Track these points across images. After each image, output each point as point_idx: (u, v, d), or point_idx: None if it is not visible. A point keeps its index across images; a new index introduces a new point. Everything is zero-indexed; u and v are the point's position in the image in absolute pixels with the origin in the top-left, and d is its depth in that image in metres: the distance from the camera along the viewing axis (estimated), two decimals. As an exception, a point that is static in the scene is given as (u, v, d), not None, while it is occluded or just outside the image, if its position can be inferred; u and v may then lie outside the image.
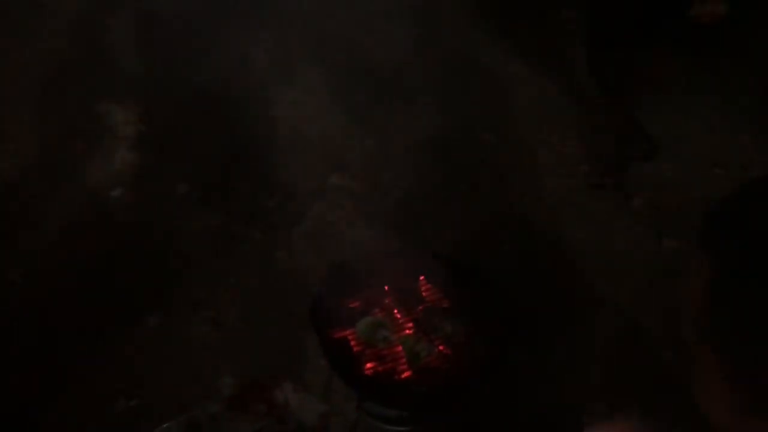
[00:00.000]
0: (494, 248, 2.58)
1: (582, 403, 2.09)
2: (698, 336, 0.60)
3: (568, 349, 2.24)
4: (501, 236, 2.67)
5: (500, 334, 1.78)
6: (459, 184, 2.90)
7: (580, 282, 2.52)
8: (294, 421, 2.01)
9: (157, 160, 2.96)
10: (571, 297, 2.44)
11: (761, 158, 2.93)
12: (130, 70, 3.42)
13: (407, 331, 1.83)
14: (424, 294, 1.92)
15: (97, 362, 2.19)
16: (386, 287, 1.93)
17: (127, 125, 3.11)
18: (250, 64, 3.43)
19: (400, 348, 1.79)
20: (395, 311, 1.88)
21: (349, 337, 1.81)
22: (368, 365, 1.76)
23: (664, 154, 2.95)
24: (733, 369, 0.56)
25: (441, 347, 1.79)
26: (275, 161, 2.96)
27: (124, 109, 3.18)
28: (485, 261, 2.35)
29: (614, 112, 2.83)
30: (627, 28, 2.46)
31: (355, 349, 1.79)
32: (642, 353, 2.29)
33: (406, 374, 1.75)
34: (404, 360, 1.77)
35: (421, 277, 1.95)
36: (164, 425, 1.96)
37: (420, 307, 1.89)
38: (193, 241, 2.62)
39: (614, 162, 2.89)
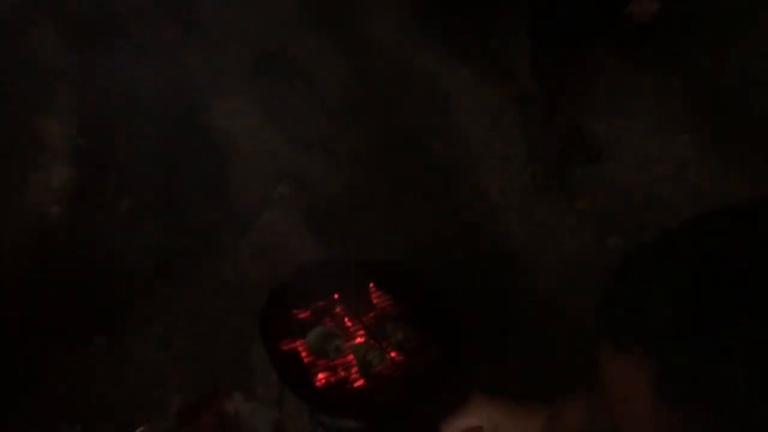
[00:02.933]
0: (443, 254, 2.59)
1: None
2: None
3: (519, 351, 2.26)
4: (449, 242, 2.68)
5: (452, 339, 1.78)
6: (406, 192, 2.90)
7: (528, 284, 2.55)
8: (246, 431, 1.97)
9: (97, 176, 2.88)
10: (520, 299, 2.46)
11: (699, 156, 3.02)
12: (66, 83, 3.32)
13: (358, 340, 1.81)
14: (374, 301, 1.91)
15: (40, 386, 2.11)
16: (336, 296, 1.91)
17: (64, 140, 3.02)
18: (188, 74, 3.36)
19: (351, 357, 1.77)
20: (346, 320, 1.86)
21: (299, 349, 1.79)
22: (320, 376, 1.74)
23: (606, 155, 3.01)
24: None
25: (393, 354, 1.78)
26: (219, 173, 2.91)
27: (60, 123, 3.08)
28: (435, 267, 2.35)
29: (557, 114, 2.88)
30: (566, 29, 2.50)
31: (305, 360, 1.76)
32: (590, 353, 2.31)
33: (358, 383, 1.74)
34: (356, 369, 1.76)
35: (371, 285, 1.94)
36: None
37: (371, 315, 1.87)
38: (138, 258, 2.56)
39: (558, 164, 2.93)
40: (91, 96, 3.20)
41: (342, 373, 1.74)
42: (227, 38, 3.60)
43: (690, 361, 0.49)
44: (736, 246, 0.52)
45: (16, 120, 3.09)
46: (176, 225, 2.68)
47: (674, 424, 0.50)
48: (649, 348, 0.51)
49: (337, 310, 1.89)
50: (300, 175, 2.93)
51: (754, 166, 2.87)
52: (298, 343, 1.79)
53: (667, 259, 0.55)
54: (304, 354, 1.77)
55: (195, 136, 3.06)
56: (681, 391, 0.50)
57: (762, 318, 0.47)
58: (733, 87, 3.30)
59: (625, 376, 0.54)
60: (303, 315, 1.86)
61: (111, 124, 3.08)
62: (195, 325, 2.34)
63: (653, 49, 3.28)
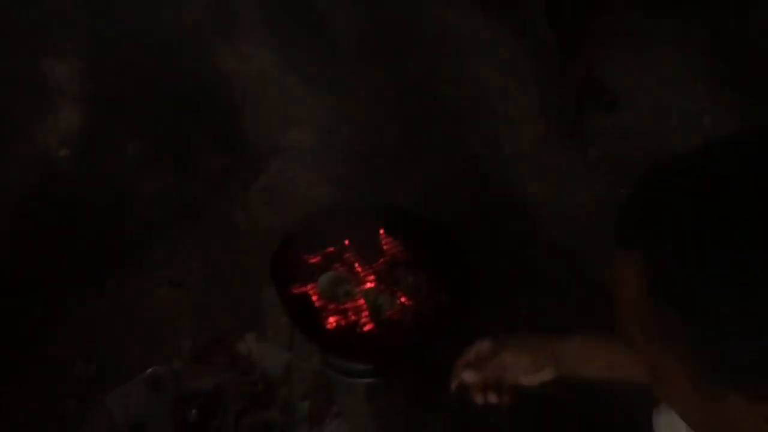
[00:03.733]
0: (454, 201, 2.58)
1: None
2: (643, 334, 0.59)
3: (529, 297, 2.27)
4: (460, 189, 2.66)
5: (462, 285, 1.79)
6: (418, 138, 2.88)
7: (539, 232, 2.54)
8: (258, 371, 2.00)
9: (106, 119, 2.86)
10: (531, 247, 2.46)
11: (715, 107, 2.97)
12: (73, 25, 3.27)
13: (369, 285, 1.82)
14: (384, 247, 1.91)
15: (55, 327, 2.14)
16: (346, 242, 1.91)
17: (72, 82, 2.99)
18: (198, 18, 3.31)
19: (362, 302, 1.79)
20: (356, 265, 1.87)
21: (311, 293, 1.80)
22: (330, 320, 1.75)
23: (620, 104, 2.97)
24: (696, 357, 0.55)
25: (403, 299, 1.79)
26: (229, 118, 2.89)
27: (69, 66, 3.05)
28: (445, 213, 2.34)
29: (573, 63, 2.82)
30: None
31: (316, 304, 1.78)
32: (600, 304, 2.32)
33: (368, 327, 1.75)
34: (366, 313, 1.77)
35: (381, 231, 1.94)
36: (126, 384, 1.93)
37: (381, 261, 1.88)
38: (148, 201, 2.56)
39: (572, 113, 2.89)
40: (100, 38, 3.15)
41: (352, 317, 1.76)
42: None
43: (682, 267, 0.53)
44: (753, 172, 0.53)
45: (23, 62, 3.06)
46: (186, 169, 2.67)
47: (657, 315, 0.56)
48: (649, 247, 0.56)
49: (348, 255, 1.89)
50: (311, 121, 2.90)
51: (772, 119, 2.83)
52: (309, 287, 1.80)
53: (686, 176, 0.57)
54: (315, 298, 1.79)
55: (206, 80, 3.02)
56: (667, 290, 0.54)
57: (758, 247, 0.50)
58: (753, 39, 3.23)
59: (625, 267, 0.58)
60: (314, 260, 1.86)
61: (120, 66, 3.04)
62: (206, 268, 2.35)
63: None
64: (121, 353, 2.08)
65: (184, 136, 2.80)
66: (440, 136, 2.89)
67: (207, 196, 2.59)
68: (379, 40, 3.31)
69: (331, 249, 1.89)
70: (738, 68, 3.12)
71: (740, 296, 0.50)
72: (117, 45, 3.09)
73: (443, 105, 3.04)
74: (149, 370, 1.95)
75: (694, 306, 0.53)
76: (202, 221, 2.50)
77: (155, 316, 2.21)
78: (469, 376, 1.10)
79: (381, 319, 1.75)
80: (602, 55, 2.94)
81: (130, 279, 2.30)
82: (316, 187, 2.63)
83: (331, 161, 2.73)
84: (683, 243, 0.53)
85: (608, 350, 1.03)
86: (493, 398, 1.10)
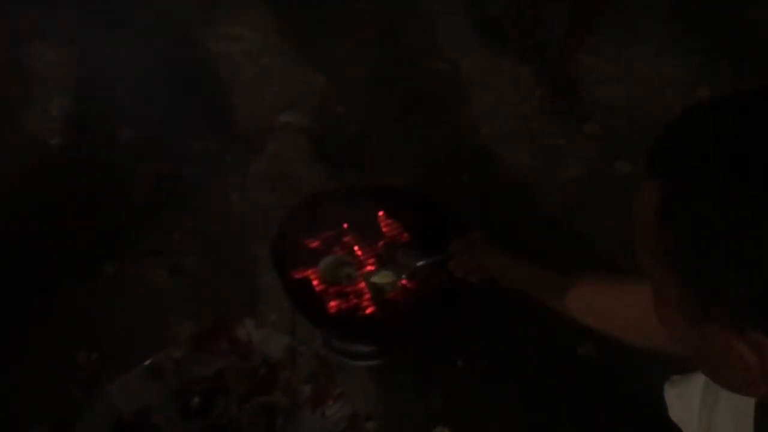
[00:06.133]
0: (452, 179, 2.58)
1: (546, 323, 2.14)
2: (650, 258, 0.63)
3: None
4: (458, 166, 2.66)
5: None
6: (413, 116, 2.86)
7: (536, 207, 2.54)
8: (258, 356, 2.01)
9: (98, 105, 2.82)
10: (528, 222, 2.46)
11: (711, 79, 2.96)
12: (60, 11, 3.22)
13: (369, 267, 1.82)
14: (384, 229, 1.90)
15: (55, 315, 2.13)
16: (345, 225, 1.91)
17: (62, 68, 2.95)
18: (189, 1, 3.27)
19: (363, 284, 1.78)
20: (356, 248, 1.86)
21: (311, 277, 1.79)
22: (332, 304, 1.75)
23: (616, 77, 2.95)
24: (685, 284, 0.59)
25: (404, 281, 1.79)
26: (222, 100, 2.87)
27: (59, 51, 3.01)
28: (443, 191, 2.33)
29: (571, 35, 2.80)
30: None
31: (317, 288, 1.77)
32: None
33: (370, 310, 1.75)
34: (368, 296, 1.77)
35: (380, 212, 1.93)
36: (126, 374, 1.94)
37: (381, 243, 1.87)
38: (143, 187, 2.54)
39: (567, 87, 2.88)
40: (90, 23, 3.11)
41: (354, 301, 1.76)
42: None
43: (690, 197, 0.57)
44: None
45: (13, 47, 3.02)
46: (180, 153, 2.64)
47: (667, 242, 0.60)
48: (668, 176, 0.60)
49: (347, 238, 1.89)
50: (305, 102, 2.88)
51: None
52: (309, 271, 1.79)
53: (715, 117, 0.60)
54: (315, 282, 1.78)
55: (197, 64, 2.99)
56: (672, 215, 0.59)
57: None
58: (746, 11, 3.21)
59: (645, 194, 0.62)
60: (314, 244, 1.86)
61: (110, 51, 3.00)
62: (205, 253, 2.34)
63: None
64: (122, 340, 2.08)
65: (178, 120, 2.77)
66: (435, 114, 2.88)
67: (203, 180, 2.57)
68: (371, 16, 3.28)
69: (331, 232, 1.88)
70: (734, 38, 3.11)
71: (734, 237, 0.54)
72: (105, 31, 3.05)
73: (438, 81, 3.03)
74: (150, 359, 1.95)
75: (691, 236, 0.57)
76: (199, 206, 2.49)
77: (155, 303, 2.20)
78: (455, 246, 1.56)
79: (383, 301, 1.75)
80: (599, 27, 2.92)
81: (128, 266, 2.30)
82: (312, 168, 2.62)
83: (326, 142, 2.72)
84: (697, 176, 0.57)
85: (609, 298, 1.12)
86: (462, 273, 1.55)
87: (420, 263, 1.71)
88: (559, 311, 1.25)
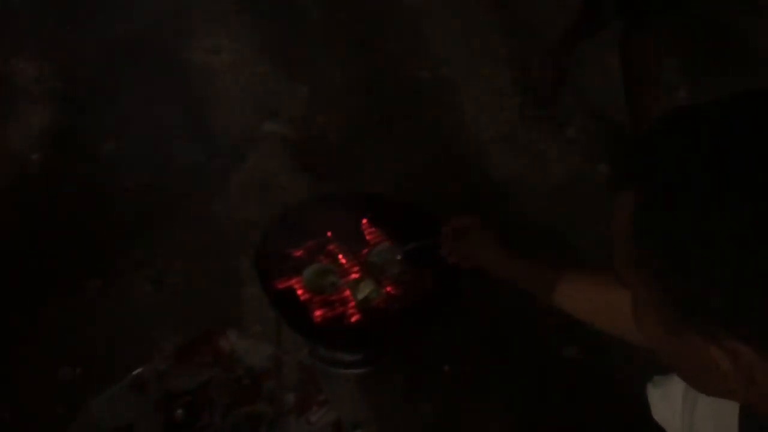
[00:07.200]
0: (434, 185, 2.58)
1: (531, 327, 2.15)
2: (628, 265, 0.63)
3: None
4: (441, 173, 2.66)
5: (447, 272, 1.78)
6: (395, 124, 2.87)
7: (520, 213, 2.55)
8: (242, 367, 1.99)
9: (78, 120, 2.81)
10: (512, 229, 2.46)
11: (687, 79, 2.99)
12: (39, 27, 3.20)
13: (354, 276, 1.81)
14: (367, 237, 1.90)
15: (39, 331, 2.11)
16: (329, 233, 1.90)
17: (42, 83, 2.93)
18: (170, 13, 3.26)
19: (348, 293, 1.78)
20: (340, 257, 1.86)
21: (296, 286, 1.79)
22: (317, 312, 1.74)
23: (597, 81, 2.98)
24: (661, 292, 0.59)
25: (389, 288, 1.79)
26: (204, 111, 2.85)
27: (37, 66, 2.99)
28: (427, 199, 2.34)
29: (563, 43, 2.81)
30: None
31: (302, 297, 1.77)
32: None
33: (355, 318, 1.75)
34: (353, 304, 1.76)
35: (364, 220, 1.93)
36: (108, 390, 1.91)
37: (365, 251, 1.87)
38: (126, 200, 2.52)
39: (547, 92, 2.89)
40: (69, 37, 3.10)
41: (339, 309, 1.75)
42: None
43: (664, 207, 0.57)
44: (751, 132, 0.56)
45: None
46: (162, 166, 2.63)
47: (643, 250, 0.60)
48: (642, 185, 0.60)
49: (331, 247, 1.88)
50: (286, 111, 2.88)
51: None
52: (294, 280, 1.79)
53: (688, 126, 0.60)
54: (300, 292, 1.77)
55: (176, 76, 2.98)
56: (647, 226, 0.59)
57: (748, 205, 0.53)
58: (725, 13, 3.26)
59: (622, 202, 0.62)
60: (297, 253, 1.85)
61: (90, 65, 2.99)
62: (187, 265, 2.33)
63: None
64: (106, 355, 2.06)
65: (159, 132, 2.76)
66: (417, 122, 2.89)
67: (185, 191, 2.56)
68: (351, 25, 3.29)
69: (314, 241, 1.88)
70: (710, 41, 3.15)
71: (708, 246, 0.54)
72: (84, 46, 3.03)
73: (419, 89, 3.04)
74: (132, 374, 1.92)
75: (666, 244, 0.57)
76: (182, 217, 2.48)
77: (138, 316, 2.19)
78: (449, 229, 1.54)
79: (368, 309, 1.75)
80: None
81: (111, 279, 2.28)
82: (295, 177, 2.62)
83: (307, 151, 2.71)
84: (670, 185, 0.57)
85: (599, 290, 1.13)
86: (454, 258, 1.54)
87: (409, 246, 1.72)
88: (549, 303, 1.25)
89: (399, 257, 1.79)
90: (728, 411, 0.72)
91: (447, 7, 3.40)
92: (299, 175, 2.62)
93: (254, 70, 3.06)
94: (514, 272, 1.38)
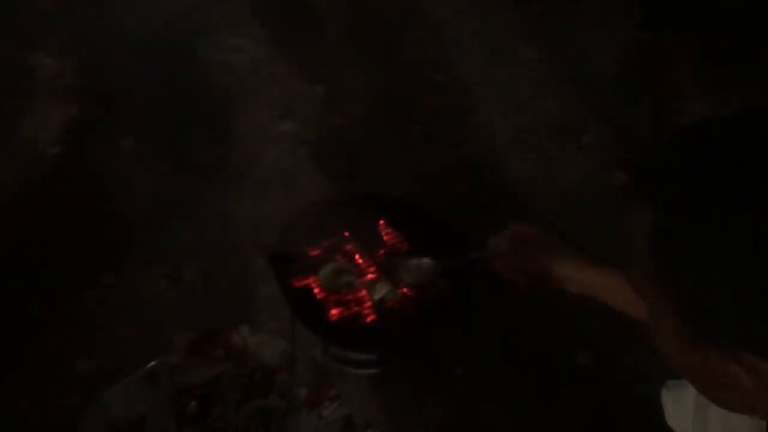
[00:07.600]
0: (450, 189, 2.59)
1: (544, 331, 2.15)
2: (644, 279, 0.62)
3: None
4: (455, 177, 2.67)
5: (461, 274, 1.79)
6: (411, 126, 2.88)
7: (535, 218, 2.55)
8: (254, 362, 2.00)
9: (97, 115, 2.84)
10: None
11: (696, 88, 2.98)
12: (60, 22, 3.24)
13: (370, 276, 1.82)
14: (385, 238, 1.91)
15: (54, 325, 2.14)
16: (346, 233, 1.91)
17: (62, 78, 2.96)
18: (188, 11, 3.28)
19: (363, 293, 1.79)
20: (357, 257, 1.87)
21: (312, 285, 1.80)
22: (333, 311, 1.75)
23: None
24: (678, 305, 0.58)
25: (404, 290, 1.80)
26: (222, 110, 2.88)
27: (58, 61, 3.02)
28: (442, 201, 2.35)
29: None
30: None
31: (318, 296, 1.78)
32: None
33: (370, 318, 1.76)
34: (368, 304, 1.77)
35: (381, 222, 1.94)
36: (122, 381, 1.93)
37: (381, 252, 1.88)
38: (143, 196, 2.55)
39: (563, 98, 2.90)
40: (90, 33, 3.13)
41: (355, 309, 1.76)
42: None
43: (681, 226, 0.56)
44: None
45: (12, 57, 3.03)
46: (180, 163, 2.66)
47: (658, 264, 0.59)
48: (659, 201, 0.59)
49: (348, 247, 1.89)
50: (304, 111, 2.90)
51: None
52: (310, 279, 1.80)
53: (706, 140, 0.59)
54: (316, 290, 1.78)
55: (196, 74, 3.01)
56: (665, 243, 0.58)
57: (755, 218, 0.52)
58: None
59: (639, 217, 0.61)
60: (314, 252, 1.86)
61: (110, 61, 3.02)
62: (203, 261, 2.35)
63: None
64: (121, 348, 2.08)
65: (178, 130, 2.79)
66: (432, 126, 2.90)
67: (202, 188, 2.59)
68: (371, 29, 3.31)
69: (331, 241, 1.89)
70: (731, 52, 3.13)
71: (727, 261, 0.53)
72: (104, 42, 3.06)
73: (435, 94, 3.04)
74: (145, 368, 1.94)
75: (680, 259, 0.56)
76: (198, 214, 2.50)
77: (154, 310, 2.21)
78: (496, 242, 1.33)
79: (383, 309, 1.76)
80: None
81: (127, 274, 2.30)
82: (311, 177, 2.63)
83: (325, 152, 2.73)
84: (686, 199, 0.56)
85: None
86: (511, 275, 1.30)
87: (449, 262, 1.70)
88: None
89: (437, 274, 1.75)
90: (740, 418, 0.72)
91: (465, 11, 3.41)
92: (316, 175, 2.63)
93: (273, 70, 3.08)
94: (599, 285, 1.17)
